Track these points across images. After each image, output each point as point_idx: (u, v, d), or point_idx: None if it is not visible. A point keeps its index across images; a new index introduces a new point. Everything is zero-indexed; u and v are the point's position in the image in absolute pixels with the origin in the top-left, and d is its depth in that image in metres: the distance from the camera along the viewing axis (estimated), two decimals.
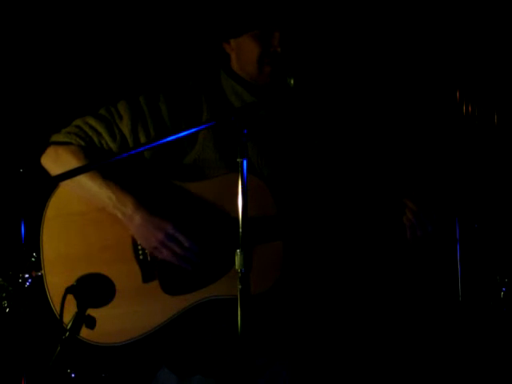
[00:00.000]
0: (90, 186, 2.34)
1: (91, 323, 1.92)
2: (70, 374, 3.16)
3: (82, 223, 2.39)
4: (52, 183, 2.43)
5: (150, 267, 2.35)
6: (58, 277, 2.33)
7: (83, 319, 1.91)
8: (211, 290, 2.30)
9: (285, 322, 2.41)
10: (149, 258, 2.35)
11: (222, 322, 2.31)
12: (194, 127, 2.05)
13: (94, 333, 2.23)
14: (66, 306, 1.92)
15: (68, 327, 1.88)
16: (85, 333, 2.22)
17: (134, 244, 2.36)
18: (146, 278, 2.34)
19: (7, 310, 3.20)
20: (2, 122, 3.49)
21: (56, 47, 3.49)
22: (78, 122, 2.43)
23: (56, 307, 2.34)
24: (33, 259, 3.17)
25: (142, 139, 2.38)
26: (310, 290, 2.45)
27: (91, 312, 1.93)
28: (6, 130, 3.48)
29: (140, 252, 2.36)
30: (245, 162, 1.91)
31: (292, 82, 2.32)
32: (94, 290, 1.92)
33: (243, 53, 2.42)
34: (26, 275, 3.14)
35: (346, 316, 3.04)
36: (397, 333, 3.27)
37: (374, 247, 2.49)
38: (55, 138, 2.43)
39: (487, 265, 3.18)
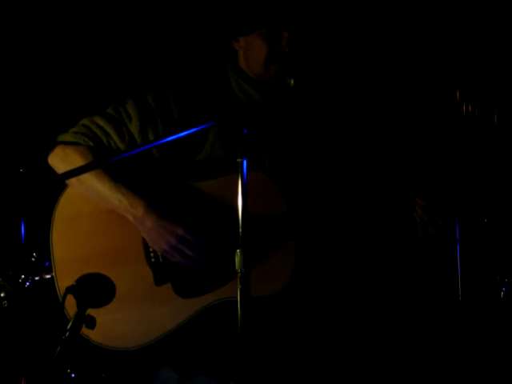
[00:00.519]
0: (99, 189, 2.31)
1: (91, 323, 1.91)
2: (70, 374, 3.16)
3: (91, 224, 2.36)
4: (55, 182, 2.40)
5: (162, 270, 2.32)
6: (67, 280, 2.26)
7: (83, 319, 1.90)
8: (223, 292, 2.28)
9: (304, 324, 2.40)
10: (161, 260, 2.32)
11: (229, 323, 2.29)
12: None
13: (107, 337, 2.24)
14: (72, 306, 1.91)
15: (68, 327, 1.88)
16: (97, 337, 2.24)
17: (146, 246, 2.33)
18: (159, 281, 2.31)
19: (7, 310, 3.20)
20: (3, 122, 3.48)
21: (60, 45, 3.49)
22: (85, 121, 2.40)
23: (67, 309, 2.30)
24: (33, 259, 3.17)
25: (151, 139, 2.35)
26: (325, 290, 2.44)
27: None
28: (6, 129, 3.48)
29: (152, 254, 2.33)
30: (245, 162, 1.91)
31: (292, 82, 2.32)
32: (93, 289, 1.91)
33: (251, 51, 2.41)
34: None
35: (362, 315, 3.05)
36: (399, 333, 3.27)
37: (387, 245, 2.49)
38: (62, 137, 2.39)
39: (487, 265, 3.18)
